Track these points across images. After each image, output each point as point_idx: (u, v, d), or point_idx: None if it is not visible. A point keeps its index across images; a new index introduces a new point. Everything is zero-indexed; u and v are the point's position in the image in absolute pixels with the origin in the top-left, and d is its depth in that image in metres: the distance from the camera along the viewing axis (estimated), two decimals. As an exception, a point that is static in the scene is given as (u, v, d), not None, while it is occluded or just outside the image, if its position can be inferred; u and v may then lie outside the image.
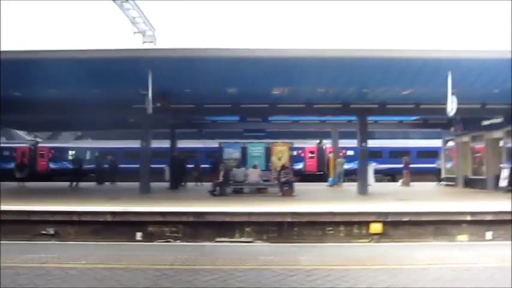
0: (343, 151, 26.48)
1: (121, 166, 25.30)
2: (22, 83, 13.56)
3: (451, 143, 22.47)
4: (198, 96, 16.24)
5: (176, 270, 6.51)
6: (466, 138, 20.56)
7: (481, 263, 7.34)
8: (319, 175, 28.80)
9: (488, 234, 10.96)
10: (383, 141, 30.82)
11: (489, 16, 54.70)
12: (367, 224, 11.26)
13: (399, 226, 11.27)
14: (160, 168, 22.77)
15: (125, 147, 27.78)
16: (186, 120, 22.28)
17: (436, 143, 25.02)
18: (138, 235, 11.22)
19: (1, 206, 11.69)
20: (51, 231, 11.36)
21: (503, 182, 17.04)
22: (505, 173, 17.11)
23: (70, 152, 29.82)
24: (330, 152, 23.92)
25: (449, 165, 23.02)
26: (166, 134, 23.12)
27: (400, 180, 23.01)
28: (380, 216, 11.32)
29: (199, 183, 22.54)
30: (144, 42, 22.05)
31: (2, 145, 30.90)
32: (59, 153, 31.89)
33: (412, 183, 22.19)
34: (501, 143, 18.09)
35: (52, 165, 31.56)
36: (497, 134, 18.01)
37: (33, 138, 35.59)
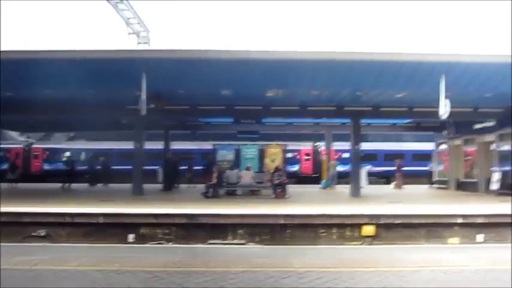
0: (339, 153, 26.55)
1: (116, 167, 25.15)
2: (14, 83, 13.47)
3: (443, 146, 22.60)
4: (192, 97, 16.22)
5: (168, 273, 6.50)
6: (458, 142, 20.70)
7: (472, 266, 7.39)
8: (314, 177, 28.83)
9: (480, 237, 11.03)
10: (378, 144, 30.95)
11: (483, 20, 55.17)
12: (359, 226, 11.29)
13: (392, 229, 11.31)
14: (153, 170, 22.69)
15: (120, 148, 27.63)
16: (180, 121, 22.24)
17: (431, 146, 25.15)
18: (131, 237, 11.16)
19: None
20: (43, 233, 11.28)
21: (494, 185, 17.17)
22: (496, 176, 17.23)
23: (65, 153, 29.62)
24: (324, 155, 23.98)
25: (440, 168, 23.16)
26: (160, 135, 23.04)
27: (393, 183, 23.10)
28: (372, 219, 11.36)
29: (192, 185, 22.49)
30: (139, 43, 22.02)
31: None
32: (53, 154, 31.71)
33: (404, 186, 22.27)
34: (492, 147, 18.22)
35: (46, 166, 31.37)
36: (489, 137, 18.15)
37: (25, 139, 35.35)
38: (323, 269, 7.17)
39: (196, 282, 5.90)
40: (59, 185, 21.56)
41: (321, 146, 29.39)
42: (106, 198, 15.27)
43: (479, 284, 6.08)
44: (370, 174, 28.73)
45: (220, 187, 17.25)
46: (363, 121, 18.51)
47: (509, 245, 9.27)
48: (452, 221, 11.32)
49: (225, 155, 21.41)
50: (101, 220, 11.37)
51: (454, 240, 11.07)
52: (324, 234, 11.31)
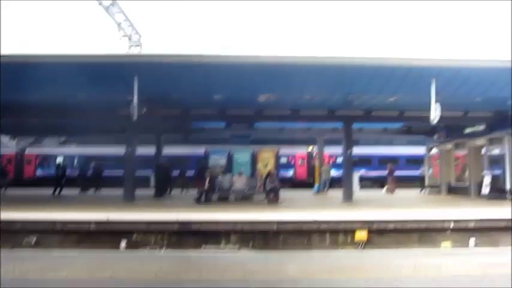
0: (333, 158, 26.62)
1: (109, 172, 24.96)
2: (4, 87, 13.33)
3: (434, 150, 22.75)
4: (184, 102, 16.17)
5: (161, 280, 6.45)
6: (449, 146, 20.84)
7: (465, 270, 7.44)
8: (309, 182, 28.87)
9: (472, 241, 11.09)
10: (372, 148, 31.11)
11: (474, 24, 55.78)
12: (352, 231, 11.30)
13: (384, 234, 11.34)
14: (145, 176, 22.60)
15: (115, 154, 27.38)
16: (172, 126, 22.15)
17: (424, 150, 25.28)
18: (123, 244, 11.06)
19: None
20: (33, 240, 11.14)
21: (485, 189, 17.30)
22: (487, 180, 17.37)
23: (58, 158, 29.41)
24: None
25: (431, 172, 23.32)
26: (152, 140, 22.94)
27: (385, 187, 23.17)
28: (365, 224, 11.38)
29: (184, 190, 22.38)
30: (131, 46, 21.96)
31: None
32: (47, 160, 31.46)
33: (396, 190, 22.35)
34: (483, 151, 18.38)
35: (39, 172, 31.11)
36: (480, 141, 18.30)
37: (14, 144, 34.98)
38: (317, 275, 7.18)
39: (189, 290, 5.86)
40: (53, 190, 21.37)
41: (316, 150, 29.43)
42: (98, 204, 15.13)
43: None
44: (365, 178, 28.90)
45: (213, 192, 17.17)
46: (355, 125, 18.58)
47: (501, 249, 9.35)
48: (445, 225, 11.38)
49: (217, 159, 21.34)
50: (93, 227, 11.26)
51: (447, 244, 11.12)
52: (317, 239, 11.31)
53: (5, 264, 7.41)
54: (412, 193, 22.41)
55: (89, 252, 9.91)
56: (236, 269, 7.70)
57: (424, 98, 12.91)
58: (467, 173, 19.30)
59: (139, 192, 18.36)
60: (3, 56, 12.02)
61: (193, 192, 18.59)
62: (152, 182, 21.71)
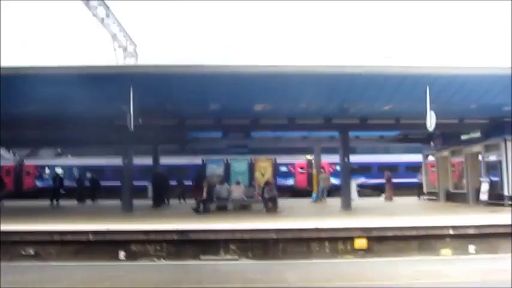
0: (333, 166, 26.63)
1: (110, 183, 24.92)
2: (0, 99, 13.32)
3: (431, 158, 22.84)
4: (180, 112, 16.19)
5: (162, 291, 6.42)
6: (445, 153, 20.93)
7: (465, 277, 7.44)
8: (310, 190, 28.85)
9: (471, 248, 11.09)
10: (372, 156, 31.20)
11: (467, 32, 56.33)
12: (351, 239, 11.28)
13: (384, 241, 11.32)
14: (143, 186, 22.58)
15: (113, 164, 27.33)
16: (169, 136, 22.15)
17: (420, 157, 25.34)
18: (121, 254, 10.99)
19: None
20: (32, 251, 11.06)
21: (483, 196, 17.35)
22: (484, 187, 17.42)
23: (55, 170, 29.34)
24: (322, 167, 24.04)
25: (426, 178, 23.41)
26: (149, 150, 22.96)
27: (383, 195, 23.21)
28: (364, 232, 11.36)
29: (182, 200, 22.34)
30: (126, 57, 21.99)
31: None
32: (46, 171, 31.40)
33: (394, 198, 22.38)
34: (480, 157, 18.46)
35: (38, 183, 31.01)
36: (476, 148, 18.39)
37: (12, 156, 34.90)
38: (316, 283, 7.16)
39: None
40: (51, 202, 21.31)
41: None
42: (96, 215, 15.08)
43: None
44: (365, 186, 28.95)
45: (211, 202, 17.15)
46: (351, 133, 18.64)
47: (501, 256, 9.36)
48: (444, 232, 11.37)
49: (215, 169, 21.30)
50: (91, 237, 11.19)
51: (447, 251, 11.12)
52: (316, 248, 11.28)
53: (4, 276, 7.36)
54: (411, 200, 22.47)
55: (88, 263, 9.88)
56: (236, 278, 7.69)
57: (419, 106, 12.99)
58: (464, 180, 19.34)
59: (137, 202, 18.32)
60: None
61: (191, 202, 18.56)
62: (150, 192, 21.64)
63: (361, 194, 26.91)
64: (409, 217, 13.75)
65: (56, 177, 23.03)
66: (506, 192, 16.40)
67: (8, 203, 22.05)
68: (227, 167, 21.33)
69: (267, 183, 17.93)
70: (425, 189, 23.18)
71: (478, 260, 9.88)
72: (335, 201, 18.75)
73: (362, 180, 29.66)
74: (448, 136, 20.19)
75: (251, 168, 21.21)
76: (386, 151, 32.73)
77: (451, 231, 11.38)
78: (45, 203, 22.04)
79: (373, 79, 12.94)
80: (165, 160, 24.89)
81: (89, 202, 23.27)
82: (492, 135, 17.17)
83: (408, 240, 11.37)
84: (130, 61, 22.73)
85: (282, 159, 30.46)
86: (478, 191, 17.88)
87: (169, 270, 8.75)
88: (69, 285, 6.79)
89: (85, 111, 14.74)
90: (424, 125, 13.31)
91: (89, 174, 26.04)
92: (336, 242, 11.33)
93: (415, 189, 24.25)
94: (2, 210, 19.12)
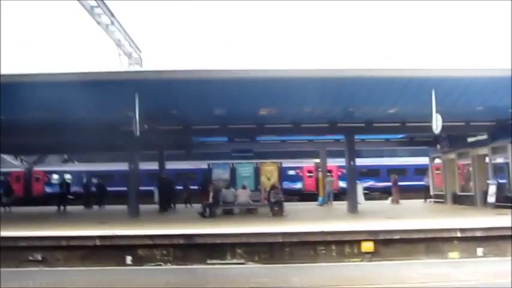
0: (341, 170, 26.55)
1: (116, 189, 25.06)
2: (6, 106, 13.44)
3: (437, 160, 22.74)
4: (185, 117, 16.24)
5: (169, 295, 6.42)
6: (452, 155, 20.83)
7: (473, 280, 7.39)
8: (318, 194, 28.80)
9: (479, 251, 11.01)
10: (380, 159, 31.13)
11: (472, 34, 56.14)
12: (358, 242, 11.23)
13: (390, 244, 11.26)
14: (150, 191, 22.66)
15: (121, 170, 27.50)
16: (174, 141, 22.24)
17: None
18: (128, 259, 11.01)
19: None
20: (39, 257, 11.10)
21: (491, 198, 17.23)
22: (492, 189, 17.31)
23: (61, 176, 29.58)
24: (330, 171, 24.01)
25: (433, 181, 23.31)
26: (155, 155, 23.08)
27: (390, 198, 23.12)
28: (371, 235, 11.31)
29: (188, 205, 22.38)
30: (130, 64, 22.08)
31: None
32: (55, 177, 31.63)
33: (401, 201, 22.28)
34: (487, 160, 18.34)
35: (48, 189, 31.21)
36: (483, 150, 18.28)
37: (20, 163, 35.22)
38: (324, 287, 7.14)
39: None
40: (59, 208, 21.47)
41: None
42: (103, 220, 15.14)
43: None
44: (373, 189, 28.86)
45: (217, 206, 17.17)
46: (357, 137, 18.60)
47: (510, 258, 9.28)
48: (451, 235, 11.30)
49: (221, 173, 21.33)
50: (98, 242, 11.22)
51: (454, 254, 11.04)
52: (323, 251, 11.24)
53: (12, 281, 7.41)
54: (418, 203, 22.37)
55: (95, 267, 9.91)
56: (242, 282, 7.68)
57: (425, 109, 12.93)
58: (471, 182, 19.23)
59: (144, 207, 18.38)
60: (5, 75, 12.13)
61: (197, 207, 18.59)
62: (156, 197, 21.71)
63: (369, 197, 26.88)
64: (416, 220, 13.68)
65: (62, 183, 23.17)
66: (514, 194, 16.29)
67: (17, 209, 22.25)
68: (233, 172, 21.37)
69: (273, 187, 17.93)
70: (432, 192, 23.06)
71: (487, 262, 9.80)
72: (341, 205, 18.70)
73: (370, 183, 29.66)
74: (454, 138, 20.09)
75: (257, 172, 21.22)
76: (393, 154, 32.64)
77: (459, 234, 11.30)
78: (53, 208, 22.19)
79: (378, 82, 12.91)
80: (171, 165, 25.00)
81: (95, 207, 23.39)
82: (499, 137, 17.07)
83: (415, 243, 11.31)
84: (135, 68, 22.83)
85: (290, 163, 30.51)
86: (485, 194, 17.77)
87: (176, 274, 8.77)
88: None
89: (91, 117, 14.84)
90: (430, 128, 13.26)
91: (95, 180, 26.20)
92: (343, 245, 11.29)
93: (423, 192, 24.11)
94: (10, 216, 19.29)
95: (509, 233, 11.03)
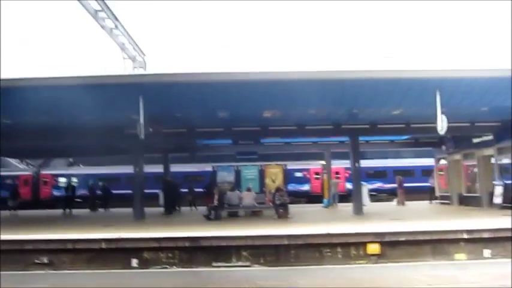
0: (348, 171, 26.49)
1: (122, 192, 25.18)
2: (12, 110, 13.52)
3: (443, 161, 22.65)
4: (189, 120, 16.27)
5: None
6: (457, 156, 20.74)
7: (480, 282, 7.35)
8: None
9: (486, 252, 10.94)
10: (388, 160, 31.04)
11: (476, 35, 55.95)
12: (364, 244, 11.19)
13: (396, 246, 11.22)
14: (154, 193, 22.72)
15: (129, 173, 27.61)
16: (179, 144, 22.29)
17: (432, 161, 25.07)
18: (134, 262, 11.04)
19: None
20: (45, 260, 11.15)
21: (497, 199, 17.13)
22: (498, 190, 17.21)
23: (67, 179, 29.74)
24: (337, 173, 23.94)
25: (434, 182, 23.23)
26: (160, 158, 23.16)
27: (395, 200, 23.05)
28: (377, 237, 11.27)
29: (193, 208, 22.40)
30: (134, 67, 22.13)
31: (3, 173, 31.15)
32: (62, 180, 31.79)
33: (407, 202, 22.21)
34: (493, 160, 18.25)
35: (55, 192, 31.37)
36: (489, 151, 18.19)
37: (25, 166, 35.46)
38: (331, 289, 7.11)
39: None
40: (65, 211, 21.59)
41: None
42: (109, 223, 15.19)
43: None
44: (381, 191, 28.77)
45: (222, 209, 17.16)
46: (361, 138, 18.56)
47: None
48: (458, 236, 11.23)
49: (225, 176, 21.33)
50: (104, 245, 11.26)
51: (461, 256, 10.97)
52: (328, 253, 11.21)
53: (18, 284, 7.43)
54: (423, 205, 22.28)
55: (101, 270, 9.93)
56: (249, 285, 7.67)
57: (429, 109, 12.88)
58: (477, 183, 19.13)
59: (149, 210, 18.42)
60: (9, 79, 12.20)
61: (202, 209, 18.60)
62: (161, 199, 21.76)
63: (377, 198, 26.84)
64: (422, 221, 13.62)
65: (68, 186, 23.27)
66: (520, 195, 16.20)
67: (25, 212, 22.39)
68: (238, 174, 21.38)
69: (277, 189, 17.91)
70: (437, 193, 22.96)
71: (494, 264, 9.73)
72: (347, 207, 18.66)
73: (378, 185, 29.60)
74: (459, 139, 20.01)
75: (261, 174, 21.21)
76: (398, 155, 32.55)
77: (465, 235, 11.24)
78: (60, 211, 22.33)
79: (381, 84, 12.88)
80: (176, 168, 25.09)
81: (101, 210, 23.48)
82: (504, 137, 16.96)
83: (421, 244, 11.26)
84: (139, 71, 22.89)
85: (297, 165, 30.50)
86: (491, 195, 17.67)
87: (181, 277, 8.76)
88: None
89: (96, 120, 14.89)
90: (435, 129, 13.20)
91: (100, 183, 26.31)
92: (348, 247, 11.26)
93: (429, 193, 24.00)
94: (17, 219, 19.40)
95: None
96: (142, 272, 9.72)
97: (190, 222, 15.66)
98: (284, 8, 59.23)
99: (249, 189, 18.46)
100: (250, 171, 21.08)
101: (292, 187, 28.64)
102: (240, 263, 10.94)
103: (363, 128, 17.33)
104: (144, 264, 11.00)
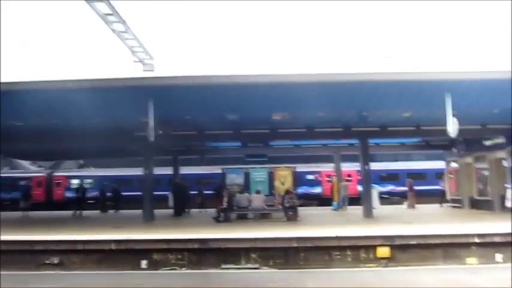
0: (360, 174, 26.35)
1: (132, 194, 25.33)
2: (24, 112, 13.68)
3: (453, 164, 22.43)
4: (198, 123, 16.30)
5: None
6: (469, 159, 20.52)
7: (492, 287, 7.25)
8: None
9: (498, 257, 10.79)
10: (400, 163, 30.83)
11: (486, 37, 55.33)
12: (374, 248, 11.12)
13: (407, 250, 11.13)
14: (163, 195, 22.80)
15: (134, 175, 27.71)
16: (188, 146, 22.37)
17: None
18: (143, 263, 11.10)
19: (4, 236, 11.62)
20: (56, 260, 11.25)
21: (508, 203, 16.89)
22: (510, 194, 16.96)
23: (78, 181, 30.03)
24: (348, 176, 23.78)
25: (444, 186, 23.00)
26: (169, 160, 23.25)
27: (405, 203, 22.87)
28: (387, 240, 11.19)
29: (202, 210, 22.45)
30: (144, 70, 22.24)
31: (19, 175, 32.03)
32: (75, 182, 32.09)
33: (417, 206, 22.01)
34: (505, 163, 18.02)
35: (68, 194, 31.65)
36: (500, 154, 17.97)
37: (37, 168, 35.82)
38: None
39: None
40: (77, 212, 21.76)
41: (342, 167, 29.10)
42: (119, 224, 15.28)
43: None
44: (393, 194, 28.57)
45: (231, 211, 17.17)
46: (371, 141, 18.44)
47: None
48: (469, 240, 11.11)
49: (235, 178, 21.33)
50: (113, 246, 11.33)
51: (472, 260, 10.84)
52: (338, 256, 11.15)
53: (29, 284, 7.50)
54: (434, 208, 22.06)
55: (111, 271, 9.99)
56: (257, 287, 7.65)
57: (440, 112, 12.77)
58: (488, 187, 18.90)
59: (158, 211, 18.49)
60: (20, 82, 12.34)
61: (211, 211, 18.62)
62: (170, 201, 21.82)
63: (389, 201, 26.67)
64: (433, 225, 13.48)
65: (79, 188, 23.44)
66: (532, 199, 15.96)
67: (36, 213, 22.61)
68: (247, 176, 21.36)
69: (287, 191, 17.87)
70: (448, 196, 22.73)
71: (506, 268, 9.58)
72: (357, 210, 18.55)
73: (391, 187, 29.45)
74: (470, 142, 19.79)
75: (271, 177, 21.17)
76: (411, 158, 32.32)
77: (477, 239, 11.11)
78: (64, 213, 22.53)
79: (391, 86, 12.80)
80: (187, 170, 25.20)
81: (111, 212, 23.61)
82: (516, 140, 16.76)
83: (432, 248, 11.16)
84: (148, 74, 23.02)
85: (308, 167, 30.45)
86: (503, 198, 17.44)
87: (190, 278, 8.77)
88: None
89: (106, 123, 15.00)
90: (446, 131, 13.08)
91: (109, 184, 26.49)
92: (358, 251, 11.20)
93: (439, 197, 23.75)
94: (28, 220, 19.59)
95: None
96: (151, 273, 9.74)
97: (200, 224, 15.68)
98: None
99: (258, 192, 18.43)
100: (259, 173, 21.02)
101: (304, 189, 28.63)
102: (249, 265, 10.93)
103: (372, 130, 17.23)
104: (153, 265, 11.05)
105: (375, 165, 27.08)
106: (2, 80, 12.25)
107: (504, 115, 15.12)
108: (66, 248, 11.39)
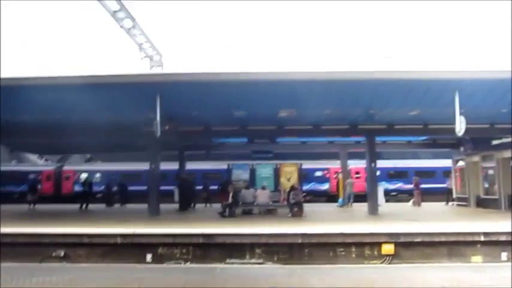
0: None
1: (137, 188, 25.49)
2: (32, 107, 13.80)
3: (461, 163, 22.33)
4: (205, 119, 16.35)
5: (188, 292, 6.47)
6: (476, 158, 20.42)
7: (497, 285, 7.24)
8: None
9: (504, 255, 10.75)
10: (409, 161, 30.77)
11: (495, 35, 54.91)
12: (378, 245, 11.13)
13: (411, 247, 11.13)
14: (169, 190, 22.92)
15: (140, 170, 27.88)
16: (194, 142, 22.45)
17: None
18: (149, 257, 11.19)
19: (11, 229, 11.77)
20: (62, 253, 11.38)
21: (515, 202, 16.82)
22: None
23: (84, 175, 30.22)
24: (357, 173, 23.74)
25: (451, 184, 22.89)
26: (175, 156, 23.35)
27: (411, 201, 22.82)
28: (392, 237, 11.19)
29: (208, 205, 22.54)
30: (152, 66, 22.35)
31: (28, 168, 32.50)
32: (83, 176, 32.34)
33: (423, 204, 21.96)
34: (512, 163, 17.91)
35: (77, 188, 31.91)
36: (508, 153, 17.87)
37: (44, 162, 36.14)
38: (343, 288, 7.08)
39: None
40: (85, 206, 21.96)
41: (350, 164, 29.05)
42: (125, 218, 15.41)
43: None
44: (401, 191, 28.54)
45: (236, 206, 17.23)
46: (378, 139, 18.39)
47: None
48: (475, 238, 11.07)
49: (240, 174, 21.40)
50: (119, 240, 11.42)
51: (477, 258, 10.82)
52: (342, 253, 11.18)
53: (36, 276, 7.60)
54: (440, 206, 22.00)
55: (116, 265, 10.07)
56: (261, 282, 7.69)
57: (447, 111, 12.72)
58: (495, 186, 18.80)
59: (164, 206, 18.58)
60: (30, 78, 12.45)
61: (216, 206, 18.69)
62: (176, 196, 21.93)
63: (397, 199, 26.64)
64: (438, 222, 13.44)
65: (85, 182, 23.63)
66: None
67: (43, 207, 22.83)
68: (252, 172, 21.40)
69: (292, 188, 17.90)
70: (454, 195, 22.64)
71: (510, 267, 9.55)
72: (362, 207, 18.53)
73: (399, 185, 29.45)
74: (478, 141, 19.69)
75: (276, 173, 21.22)
76: (418, 156, 32.22)
77: (482, 238, 11.08)
78: (70, 207, 22.73)
79: (399, 84, 12.76)
80: (194, 166, 25.29)
81: (117, 206, 23.79)
82: (524, 139, 16.65)
83: (437, 246, 11.15)
84: (156, 70, 23.14)
85: (316, 164, 30.48)
86: (510, 197, 17.35)
87: (195, 273, 8.82)
88: (98, 285, 6.94)
89: (114, 118, 15.09)
90: (453, 130, 13.02)
91: (116, 179, 26.69)
92: (363, 247, 11.21)
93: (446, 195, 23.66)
94: (35, 214, 19.78)
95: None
96: (156, 267, 9.81)
97: (205, 219, 15.75)
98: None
99: (263, 188, 18.50)
100: (265, 169, 21.07)
101: (312, 186, 28.71)
102: (253, 261, 10.98)
103: (379, 128, 17.19)
104: (158, 259, 11.14)
105: (383, 163, 27.09)
106: (19, 75, 12.44)
107: (512, 114, 15.02)
108: (72, 241, 11.50)
